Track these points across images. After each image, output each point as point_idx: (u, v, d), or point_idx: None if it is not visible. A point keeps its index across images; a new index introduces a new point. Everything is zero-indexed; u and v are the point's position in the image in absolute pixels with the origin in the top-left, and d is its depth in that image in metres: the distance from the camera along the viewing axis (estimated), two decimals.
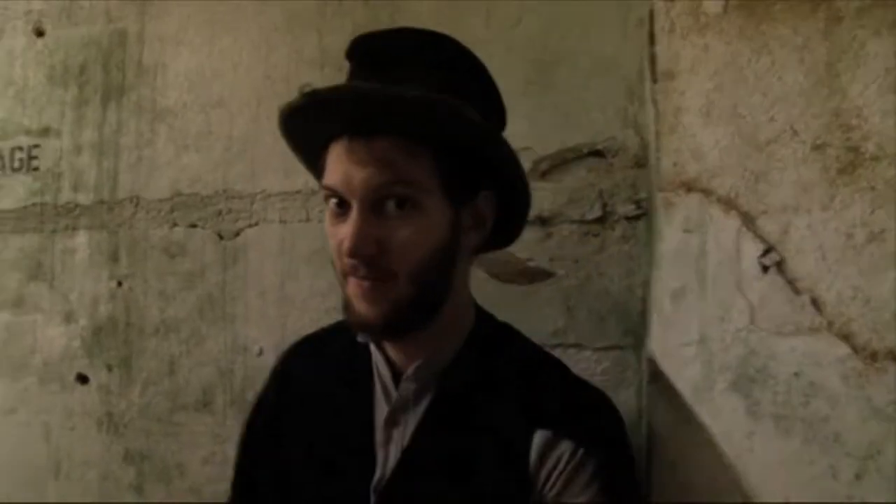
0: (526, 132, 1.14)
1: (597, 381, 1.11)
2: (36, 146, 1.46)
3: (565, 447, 0.70)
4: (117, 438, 1.37)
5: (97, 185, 1.42)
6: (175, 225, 1.36)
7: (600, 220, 1.10)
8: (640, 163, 1.09)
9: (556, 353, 1.12)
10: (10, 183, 1.49)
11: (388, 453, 0.77)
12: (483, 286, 1.15)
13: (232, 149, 1.32)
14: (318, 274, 1.24)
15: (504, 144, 0.74)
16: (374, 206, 0.69)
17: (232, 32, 1.34)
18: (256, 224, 1.30)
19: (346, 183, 0.69)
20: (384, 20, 1.23)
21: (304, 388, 0.89)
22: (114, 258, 1.40)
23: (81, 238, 1.42)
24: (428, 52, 0.74)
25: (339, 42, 1.25)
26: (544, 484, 0.70)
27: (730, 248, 0.86)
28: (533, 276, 1.14)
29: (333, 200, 0.72)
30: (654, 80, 0.94)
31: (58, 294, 1.44)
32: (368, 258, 0.68)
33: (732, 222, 0.86)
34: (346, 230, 0.69)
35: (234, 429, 1.28)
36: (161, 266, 1.36)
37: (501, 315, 1.13)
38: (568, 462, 0.70)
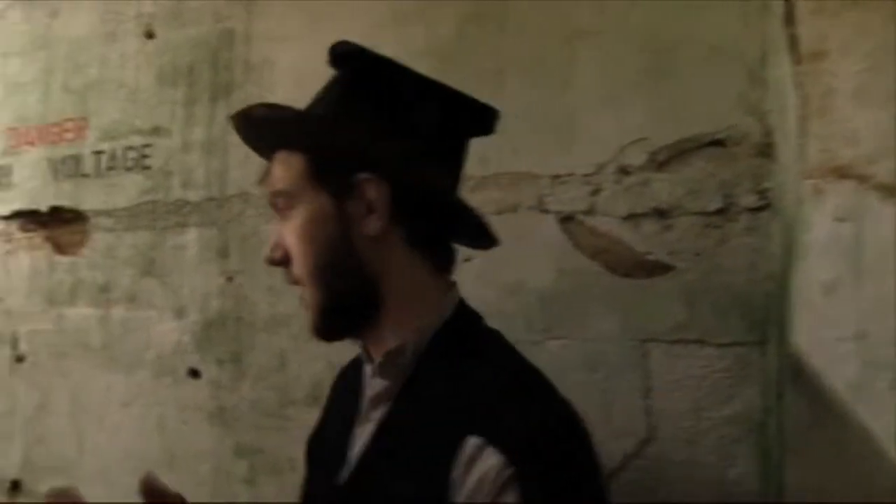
0: (642, 122, 1.12)
1: (717, 378, 1.08)
2: (147, 145, 1.51)
3: (493, 461, 0.62)
4: (229, 432, 1.39)
5: (206, 182, 1.45)
6: None
7: (721, 212, 1.07)
8: (764, 151, 1.05)
9: (676, 348, 1.09)
10: (122, 182, 1.53)
11: (357, 452, 0.76)
12: (599, 280, 1.13)
13: None
14: None
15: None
16: (280, 217, 0.78)
17: (338, 28, 1.33)
18: None
19: None
20: (491, 12, 1.22)
21: (335, 396, 0.94)
22: (223, 254, 1.42)
23: (192, 235, 1.45)
24: (345, 61, 0.79)
25: (446, 34, 1.24)
26: (470, 499, 0.63)
27: (889, 238, 0.81)
28: (652, 269, 1.11)
29: None
30: (798, 63, 0.89)
31: (169, 290, 1.47)
32: (279, 264, 0.78)
33: (892, 210, 0.81)
34: None
35: None
36: None
37: (618, 309, 1.11)
38: (494, 481, 0.62)
